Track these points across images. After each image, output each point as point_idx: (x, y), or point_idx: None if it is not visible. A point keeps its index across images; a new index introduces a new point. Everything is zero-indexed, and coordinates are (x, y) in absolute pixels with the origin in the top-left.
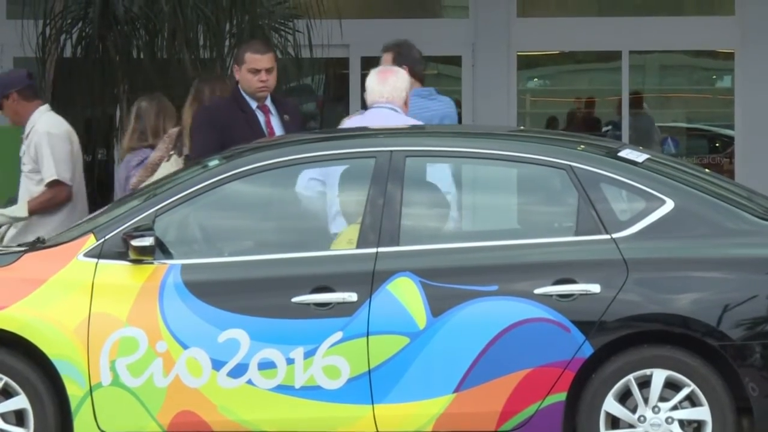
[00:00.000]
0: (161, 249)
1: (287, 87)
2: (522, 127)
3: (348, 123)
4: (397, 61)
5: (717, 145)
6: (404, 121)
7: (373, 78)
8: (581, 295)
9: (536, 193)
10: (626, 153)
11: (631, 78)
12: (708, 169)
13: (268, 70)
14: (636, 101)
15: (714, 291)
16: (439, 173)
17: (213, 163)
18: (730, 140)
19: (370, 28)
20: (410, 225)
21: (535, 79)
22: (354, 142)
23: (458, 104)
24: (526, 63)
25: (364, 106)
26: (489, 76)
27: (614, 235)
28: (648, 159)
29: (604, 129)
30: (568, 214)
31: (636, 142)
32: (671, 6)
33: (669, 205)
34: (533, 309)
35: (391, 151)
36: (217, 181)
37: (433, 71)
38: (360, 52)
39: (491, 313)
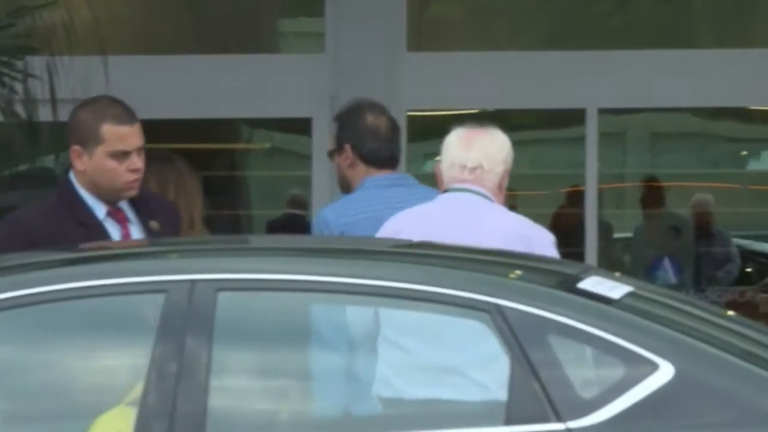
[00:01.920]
0: None
1: (10, 171)
2: (415, 241)
3: (394, 226)
4: (339, 141)
5: (750, 269)
6: (499, 218)
7: (453, 138)
8: None
9: (439, 352)
10: (591, 283)
11: (604, 153)
12: (732, 311)
13: (139, 151)
14: (612, 194)
15: None
16: (275, 316)
17: None
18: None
19: (155, 71)
20: (225, 409)
21: (439, 158)
22: (129, 266)
23: (303, 202)
24: (423, 128)
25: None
26: None
27: (572, 425)
28: (629, 294)
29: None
30: (492, 387)
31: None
32: (675, 34)
33: (666, 372)
34: None
35: (193, 280)
36: None
37: (263, 144)
38: (139, 111)
39: None
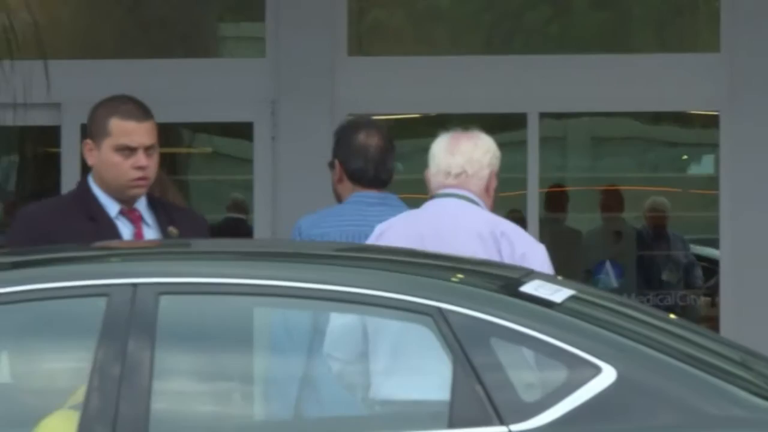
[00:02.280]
0: None
1: None
2: (358, 244)
3: (380, 233)
4: (333, 154)
5: (694, 274)
6: (484, 223)
7: (439, 144)
8: None
9: (381, 355)
10: (534, 287)
11: (544, 158)
12: (674, 314)
13: (149, 150)
14: (554, 198)
15: None
16: (217, 319)
17: None
18: (712, 266)
19: (97, 75)
20: (168, 411)
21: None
22: (71, 270)
23: (244, 206)
24: None
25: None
26: (300, 155)
27: (514, 428)
28: (571, 297)
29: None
30: (435, 391)
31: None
32: (615, 39)
33: (608, 375)
34: None
35: (135, 284)
36: None
37: (205, 149)
38: (80, 116)
39: None
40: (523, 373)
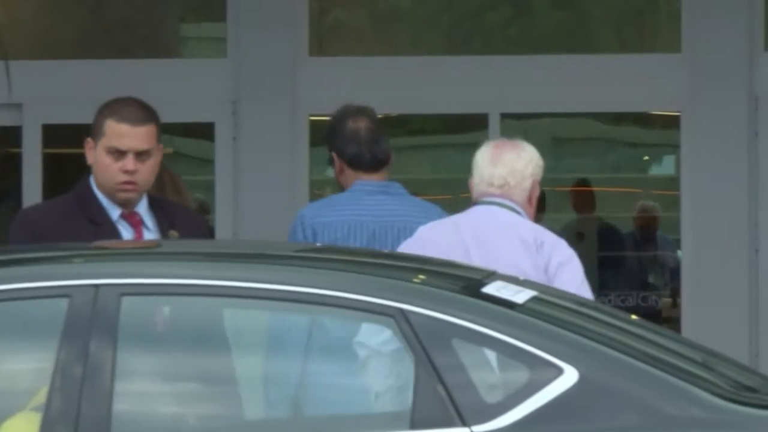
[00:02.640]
0: None
1: None
2: (319, 244)
3: (419, 237)
4: (329, 148)
5: (647, 278)
6: (527, 231)
7: (483, 154)
8: None
9: (343, 355)
10: (496, 288)
11: None
12: (636, 315)
13: (141, 155)
14: None
15: None
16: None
17: None
18: (674, 266)
19: (59, 76)
20: (130, 413)
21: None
22: (33, 271)
23: (205, 206)
24: (325, 133)
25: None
26: (262, 156)
27: (476, 429)
28: (533, 298)
29: None
30: (397, 392)
31: None
32: (575, 39)
33: (570, 376)
34: None
35: (97, 285)
36: None
37: (166, 149)
38: (42, 116)
39: None
40: (485, 374)
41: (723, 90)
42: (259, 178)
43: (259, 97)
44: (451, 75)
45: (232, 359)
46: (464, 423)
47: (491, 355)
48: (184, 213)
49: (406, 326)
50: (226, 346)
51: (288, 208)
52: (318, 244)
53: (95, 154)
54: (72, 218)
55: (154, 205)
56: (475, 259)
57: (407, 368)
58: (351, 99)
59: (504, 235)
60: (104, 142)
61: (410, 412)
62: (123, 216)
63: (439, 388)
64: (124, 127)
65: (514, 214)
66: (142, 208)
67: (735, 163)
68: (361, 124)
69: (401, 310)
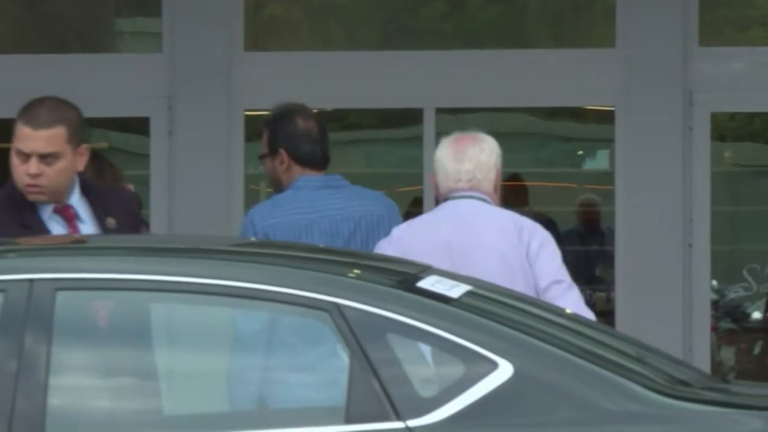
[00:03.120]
0: None
1: None
2: (254, 239)
3: (398, 239)
4: (272, 146)
5: (593, 272)
6: (504, 219)
7: (445, 151)
8: None
9: (277, 350)
10: (431, 282)
11: None
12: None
13: (46, 158)
14: None
15: None
16: (114, 314)
17: None
18: (609, 257)
19: None
20: (64, 407)
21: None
22: None
23: (140, 201)
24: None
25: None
26: (197, 150)
27: (411, 423)
28: (468, 293)
29: None
30: (332, 386)
31: None
32: (511, 34)
33: (505, 370)
34: None
35: (32, 279)
36: None
37: (101, 144)
38: None
39: None
40: (420, 369)
41: (657, 85)
42: (195, 173)
43: (195, 91)
44: (387, 70)
45: (165, 354)
46: (399, 417)
47: (426, 349)
48: (113, 193)
49: (341, 321)
50: (159, 340)
51: (223, 203)
52: (253, 239)
53: (11, 156)
54: (2, 221)
55: (87, 191)
56: (458, 254)
57: (342, 363)
58: (287, 94)
59: (484, 225)
60: (14, 144)
61: (345, 406)
62: (56, 210)
63: (374, 382)
64: (26, 130)
65: (486, 205)
66: (75, 199)
67: (669, 158)
68: (311, 123)
69: (336, 305)
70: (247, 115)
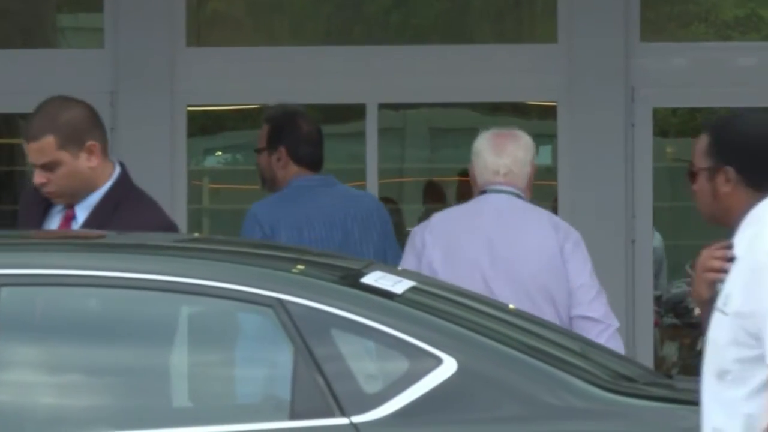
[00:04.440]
0: None
1: None
2: (197, 234)
3: (437, 222)
4: (273, 142)
5: None
6: (543, 218)
7: (484, 144)
8: None
9: (221, 346)
10: (375, 278)
11: (384, 151)
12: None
13: (47, 166)
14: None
15: None
16: (59, 311)
17: None
18: None
19: None
20: (9, 404)
21: (219, 153)
22: None
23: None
24: (203, 124)
25: None
26: (140, 147)
27: (356, 419)
28: (412, 289)
29: None
30: (276, 382)
31: None
32: (454, 29)
33: (449, 366)
34: None
35: None
36: None
37: None
38: None
39: None
40: (364, 365)
41: (599, 80)
42: (138, 169)
43: (137, 87)
44: (330, 65)
45: (109, 349)
46: (343, 413)
47: (370, 345)
48: (131, 210)
49: (285, 316)
50: (104, 336)
51: (167, 198)
52: (196, 234)
53: None
54: (33, 205)
55: (110, 203)
56: (499, 251)
57: (286, 359)
58: (229, 89)
59: (525, 219)
60: None
61: (289, 402)
62: (65, 208)
63: (319, 378)
64: (24, 142)
65: (523, 202)
66: (84, 205)
67: (611, 154)
68: (312, 127)
69: (280, 300)
70: (190, 111)
